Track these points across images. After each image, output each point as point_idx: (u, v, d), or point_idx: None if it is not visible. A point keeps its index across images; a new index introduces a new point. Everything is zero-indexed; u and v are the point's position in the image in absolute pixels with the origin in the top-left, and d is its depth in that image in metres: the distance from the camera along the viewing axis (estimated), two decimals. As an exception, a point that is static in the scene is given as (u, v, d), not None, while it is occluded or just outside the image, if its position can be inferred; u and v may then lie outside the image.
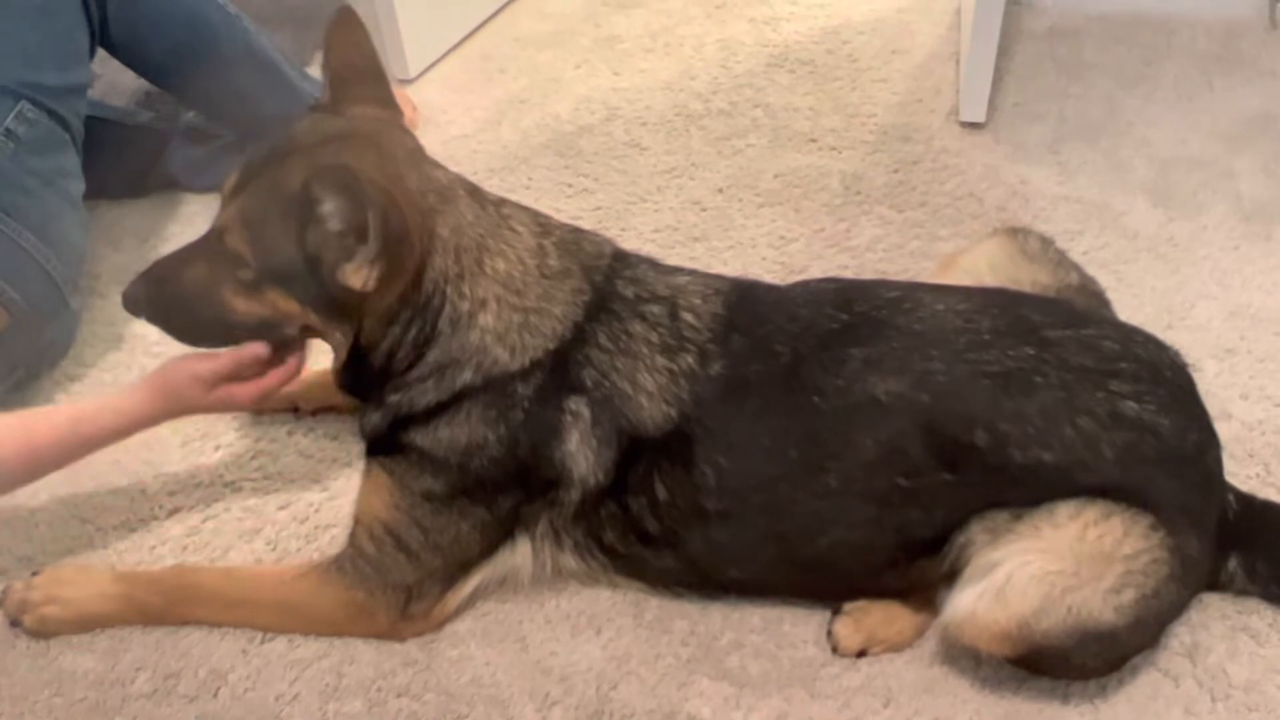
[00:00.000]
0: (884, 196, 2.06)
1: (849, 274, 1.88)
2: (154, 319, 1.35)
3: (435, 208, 1.25)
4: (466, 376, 1.27)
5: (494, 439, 1.27)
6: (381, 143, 1.26)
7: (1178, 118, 2.22)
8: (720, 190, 2.11)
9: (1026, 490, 1.20)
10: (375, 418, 1.33)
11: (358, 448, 1.61)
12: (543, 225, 1.34)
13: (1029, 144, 2.17)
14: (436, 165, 1.31)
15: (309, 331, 1.32)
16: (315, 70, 2.28)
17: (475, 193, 1.31)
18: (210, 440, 1.66)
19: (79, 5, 1.80)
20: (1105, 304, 1.45)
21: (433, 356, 1.27)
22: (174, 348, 1.80)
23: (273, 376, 1.38)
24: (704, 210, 2.07)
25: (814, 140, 2.23)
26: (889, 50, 2.51)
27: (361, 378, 1.31)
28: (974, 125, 2.21)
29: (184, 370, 1.39)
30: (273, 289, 1.24)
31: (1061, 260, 1.46)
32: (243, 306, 1.27)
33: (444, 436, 1.28)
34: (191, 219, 2.16)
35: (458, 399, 1.27)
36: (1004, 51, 2.29)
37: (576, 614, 1.39)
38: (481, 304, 1.26)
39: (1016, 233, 1.51)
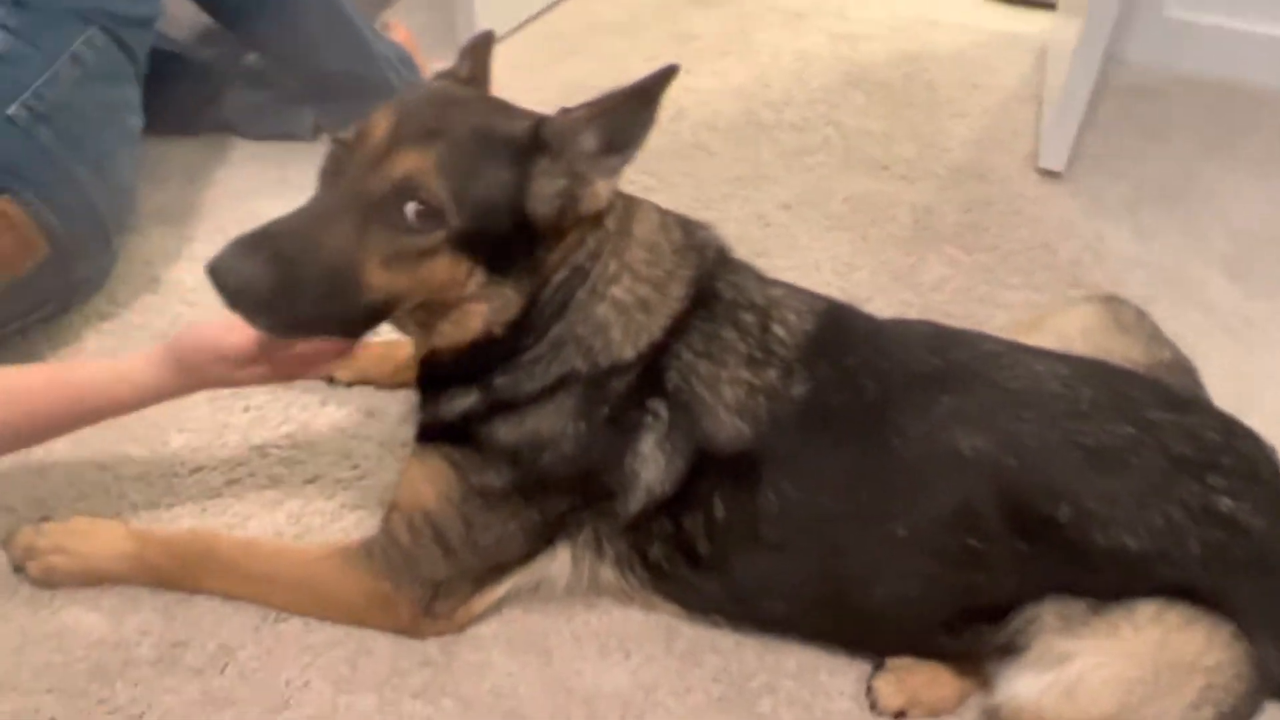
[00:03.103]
0: (954, 235, 2.00)
1: (913, 312, 1.81)
2: (264, 310, 1.08)
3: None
4: (576, 363, 1.20)
5: (572, 433, 1.20)
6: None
7: (1261, 192, 2.16)
8: (787, 206, 2.05)
9: (1103, 575, 1.13)
10: (469, 402, 1.23)
11: (394, 427, 1.56)
12: (654, 204, 1.29)
13: (1107, 200, 2.10)
14: None
15: (427, 306, 1.16)
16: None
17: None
18: (240, 399, 1.59)
19: None
20: (1198, 385, 1.39)
21: (556, 331, 1.19)
22: (211, 296, 1.76)
23: (324, 348, 1.29)
24: (768, 225, 2.00)
25: (886, 167, 2.17)
26: (969, 84, 2.44)
27: (469, 359, 1.21)
28: (1052, 174, 2.14)
29: (208, 346, 1.25)
30: (454, 251, 1.10)
31: (1155, 335, 1.40)
32: (382, 281, 1.09)
33: (528, 428, 1.20)
34: (241, 163, 2.10)
35: (557, 387, 1.20)
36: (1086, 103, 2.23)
37: (606, 634, 1.33)
38: (622, 269, 1.21)
39: (1111, 301, 1.45)
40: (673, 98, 2.29)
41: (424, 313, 1.18)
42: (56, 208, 1.54)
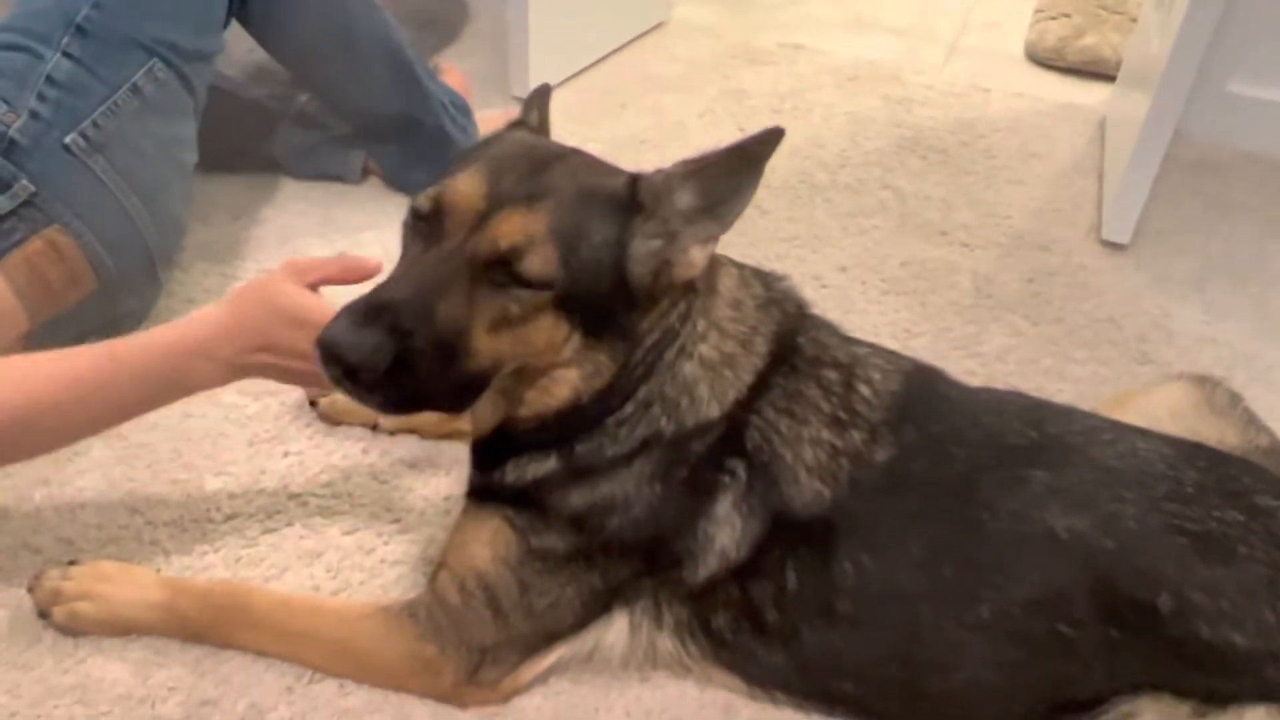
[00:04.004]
0: (1016, 304, 1.94)
1: (976, 381, 1.73)
2: (380, 385, 1.01)
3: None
4: (661, 424, 1.14)
5: (646, 496, 1.14)
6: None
7: (1331, 274, 2.09)
8: (843, 269, 2.00)
9: (1205, 673, 1.05)
10: (545, 468, 1.16)
11: (438, 480, 1.50)
12: (741, 274, 1.23)
13: (1173, 276, 2.04)
14: None
15: (519, 372, 1.11)
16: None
17: None
18: (280, 445, 1.53)
19: None
20: (1296, 472, 1.31)
21: (643, 392, 1.13)
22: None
23: None
24: (825, 287, 1.95)
25: (944, 233, 2.11)
26: (1027, 153, 2.40)
27: (550, 428, 1.14)
28: (1116, 246, 2.09)
29: (269, 295, 1.23)
30: (556, 314, 1.05)
31: (1251, 420, 1.33)
32: (487, 346, 1.04)
33: (602, 492, 1.14)
34: (287, 203, 2.06)
35: (639, 451, 1.14)
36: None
37: (659, 711, 1.25)
38: (710, 327, 1.15)
39: (1204, 382, 1.38)
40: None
41: (512, 380, 1.11)
42: (106, 241, 1.51)
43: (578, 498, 1.15)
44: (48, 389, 1.18)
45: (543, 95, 1.27)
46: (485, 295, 1.03)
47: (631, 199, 1.07)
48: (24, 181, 1.47)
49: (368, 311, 1.00)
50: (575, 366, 1.10)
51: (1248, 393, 1.78)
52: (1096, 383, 1.76)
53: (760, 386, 1.16)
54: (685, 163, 1.08)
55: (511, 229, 1.03)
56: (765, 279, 1.25)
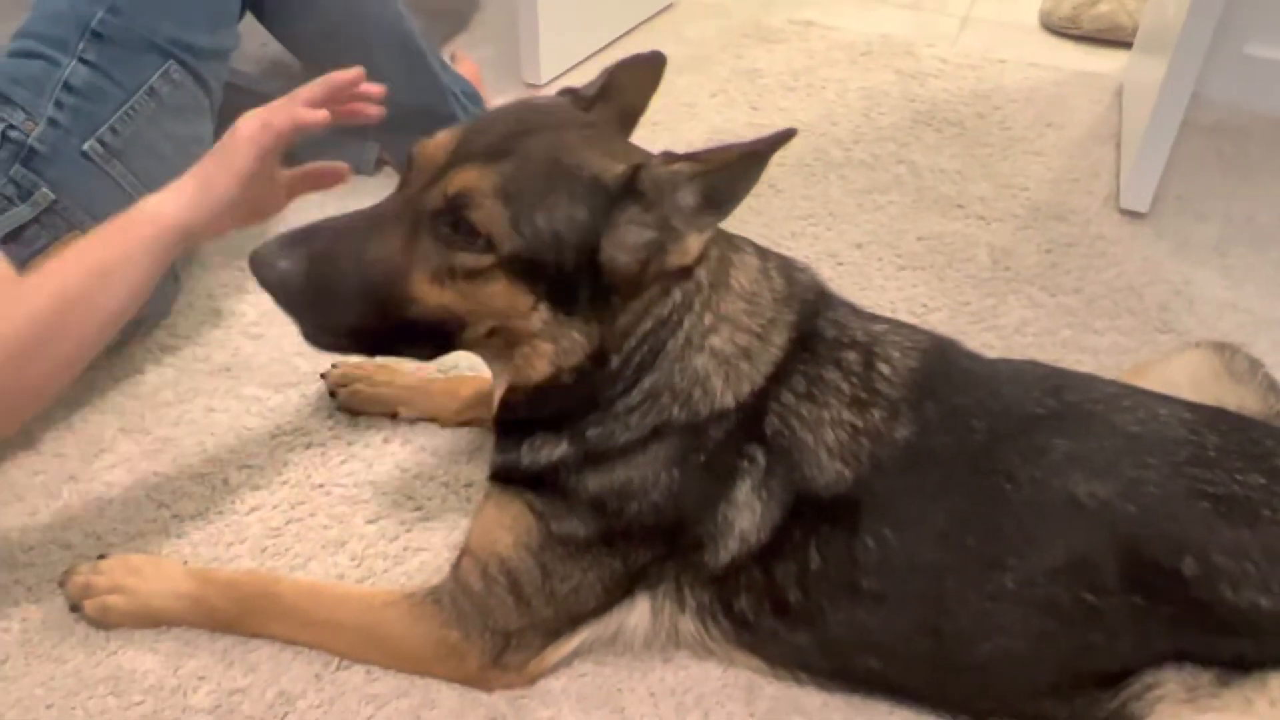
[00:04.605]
0: (1035, 277, 1.92)
1: (995, 354, 1.72)
2: (295, 303, 1.09)
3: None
4: (673, 412, 1.14)
5: (665, 482, 1.14)
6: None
7: (1354, 235, 2.07)
8: (859, 246, 1.99)
9: (1232, 637, 1.05)
10: (559, 451, 1.17)
11: (459, 466, 1.51)
12: (756, 246, 1.23)
13: (1193, 242, 2.02)
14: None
15: (500, 335, 1.13)
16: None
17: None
18: (302, 436, 1.55)
19: None
20: (1319, 437, 1.30)
21: (649, 382, 1.14)
22: (274, 329, 1.72)
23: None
24: (841, 264, 1.94)
25: (961, 206, 2.10)
26: (1043, 123, 2.37)
27: (542, 404, 1.16)
28: (1135, 214, 2.07)
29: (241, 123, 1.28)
30: (510, 277, 1.06)
31: (1272, 385, 1.32)
32: (432, 296, 1.07)
33: (619, 476, 1.14)
34: (304, 196, 2.06)
35: (652, 437, 1.14)
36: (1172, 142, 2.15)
37: (683, 690, 1.26)
38: (720, 321, 1.15)
39: (1223, 349, 1.37)
40: (738, 133, 2.28)
41: (499, 342, 1.14)
42: None
43: (594, 482, 1.15)
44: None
45: (630, 68, 1.24)
46: (428, 244, 1.06)
47: (626, 187, 1.06)
48: (44, 189, 1.48)
49: (295, 236, 1.08)
50: (549, 340, 1.11)
51: (1270, 358, 1.77)
52: (1117, 353, 1.75)
53: (780, 375, 1.16)
54: (694, 160, 1.06)
55: (459, 181, 1.05)
56: (788, 271, 1.24)
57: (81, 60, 1.54)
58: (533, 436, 1.18)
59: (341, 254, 1.07)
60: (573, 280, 1.08)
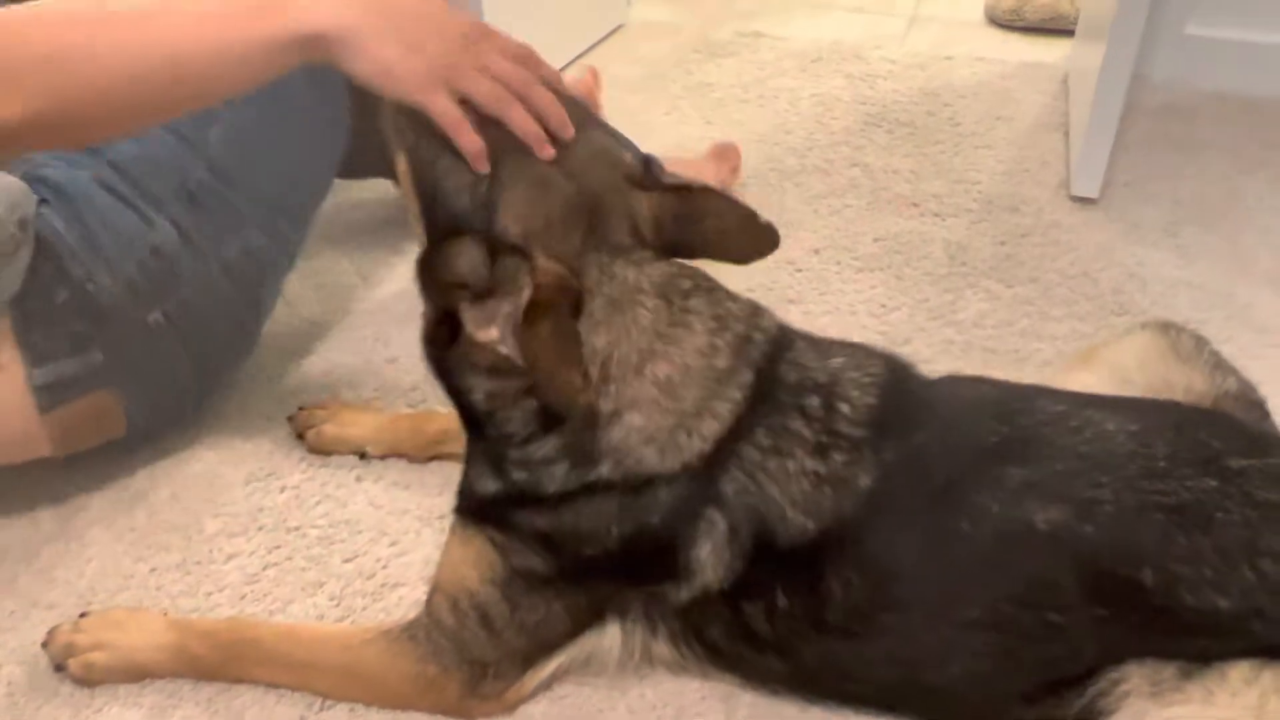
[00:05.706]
0: (991, 269, 1.95)
1: (956, 350, 1.77)
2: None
3: (598, 318, 1.12)
4: (603, 471, 1.14)
5: (618, 534, 1.15)
6: (608, 217, 1.14)
7: (1303, 208, 2.10)
8: (816, 251, 2.02)
9: (1195, 637, 1.07)
10: (492, 487, 1.19)
11: (430, 500, 1.53)
12: (720, 320, 1.18)
13: (1144, 224, 2.06)
14: (648, 258, 1.15)
15: None
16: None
17: (669, 289, 1.15)
18: (276, 480, 1.56)
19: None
20: (1265, 415, 1.32)
21: (559, 441, 1.15)
22: (240, 376, 1.73)
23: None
24: (799, 271, 1.97)
25: (915, 205, 2.13)
26: (992, 116, 2.41)
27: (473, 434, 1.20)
28: (1086, 200, 2.10)
29: None
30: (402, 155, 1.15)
31: (1219, 364, 1.33)
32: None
33: (567, 521, 1.16)
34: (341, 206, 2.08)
35: (589, 490, 1.15)
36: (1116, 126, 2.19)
37: (662, 705, 1.27)
38: (631, 404, 1.14)
39: (1169, 329, 1.38)
40: (694, 148, 2.31)
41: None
42: (151, 406, 1.52)
43: (542, 521, 1.17)
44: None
45: (729, 205, 1.25)
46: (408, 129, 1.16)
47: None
48: (96, 352, 1.43)
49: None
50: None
51: (1225, 333, 1.81)
52: (1075, 339, 1.78)
53: (740, 431, 1.15)
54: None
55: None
56: (738, 345, 1.18)
57: (173, 223, 1.48)
58: (475, 464, 1.21)
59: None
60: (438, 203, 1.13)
